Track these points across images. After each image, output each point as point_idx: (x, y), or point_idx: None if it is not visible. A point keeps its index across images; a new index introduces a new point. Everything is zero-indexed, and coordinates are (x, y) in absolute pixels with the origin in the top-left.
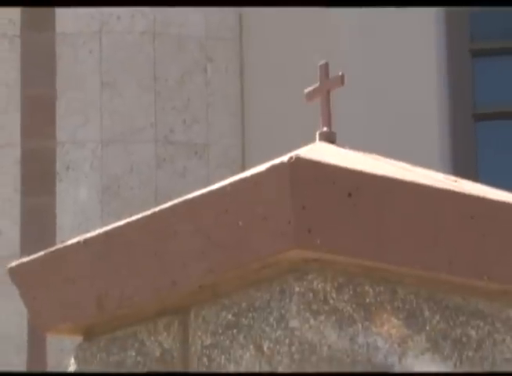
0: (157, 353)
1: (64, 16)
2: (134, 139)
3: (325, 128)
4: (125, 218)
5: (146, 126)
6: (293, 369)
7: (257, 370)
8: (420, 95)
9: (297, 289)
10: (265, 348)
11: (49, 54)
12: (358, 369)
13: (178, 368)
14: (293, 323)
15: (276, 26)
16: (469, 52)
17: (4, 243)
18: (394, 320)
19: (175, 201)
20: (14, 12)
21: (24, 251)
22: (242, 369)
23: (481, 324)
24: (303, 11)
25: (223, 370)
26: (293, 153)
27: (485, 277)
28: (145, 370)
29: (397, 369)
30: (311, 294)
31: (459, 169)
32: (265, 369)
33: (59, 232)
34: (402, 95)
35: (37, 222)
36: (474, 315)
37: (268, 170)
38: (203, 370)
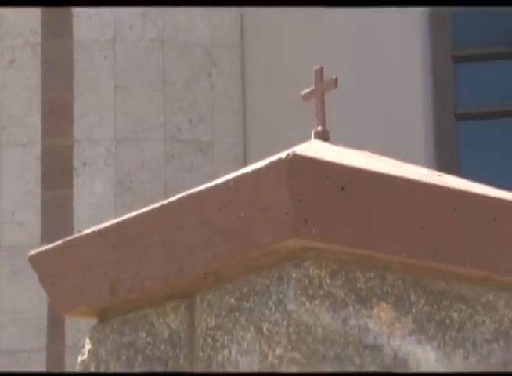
0: (166, 334)
1: (81, 24)
2: (145, 137)
3: (319, 127)
4: (137, 210)
5: (155, 126)
6: (291, 348)
7: (257, 350)
8: (407, 97)
9: (294, 275)
10: (265, 330)
11: (67, 60)
12: (350, 349)
13: (185, 348)
14: (291, 307)
15: (275, 33)
16: (451, 57)
17: (25, 233)
18: (383, 304)
19: (182, 194)
20: (35, 22)
21: (44, 240)
22: (243, 349)
23: (463, 307)
24: (300, 19)
25: (226, 351)
26: (290, 151)
27: (467, 264)
28: (154, 350)
29: (385, 349)
30: (306, 280)
31: (443, 165)
32: (265, 349)
33: (76, 223)
34: (390, 97)
35: (57, 213)
36: (456, 299)
37: (268, 166)
38: (207, 350)
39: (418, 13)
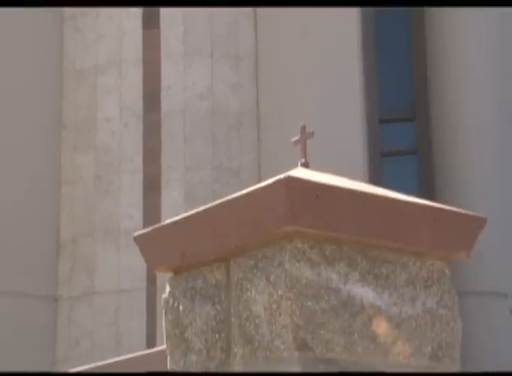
0: (213, 282)
1: (165, 102)
2: (201, 166)
3: (303, 160)
4: (197, 209)
5: (207, 160)
6: (287, 290)
7: (267, 291)
8: (351, 143)
9: (288, 247)
10: (271, 280)
11: (157, 123)
12: (322, 291)
13: (225, 290)
14: (287, 266)
15: (279, 105)
16: (379, 121)
17: (134, 222)
18: (341, 264)
19: (223, 200)
20: (138, 100)
21: (144, 227)
22: (259, 290)
23: (389, 266)
24: (298, 90)
25: (248, 292)
26: (286, 174)
27: (390, 240)
28: (206, 291)
29: (343, 291)
30: (296, 250)
31: (372, 182)
32: (271, 291)
33: (162, 216)
34: (341, 141)
35: (151, 211)
36: (384, 261)
37: (273, 183)
38: (238, 291)
39: (357, 89)
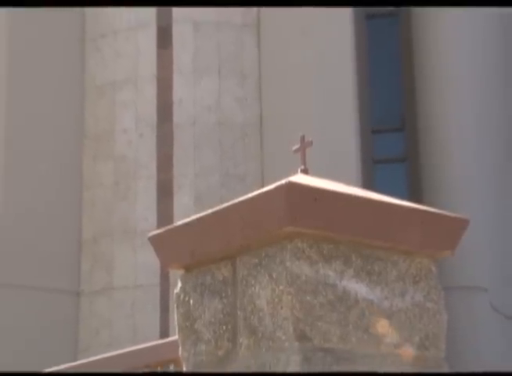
0: (221, 278)
1: (177, 114)
2: (209, 173)
3: (302, 166)
4: (205, 212)
5: (216, 168)
6: (288, 286)
7: (269, 287)
8: (346, 149)
9: (289, 247)
10: (274, 276)
11: (169, 134)
12: (319, 287)
13: (231, 286)
14: (287, 264)
15: (278, 118)
16: (371, 131)
17: (148, 224)
18: (338, 262)
19: (229, 203)
20: (152, 112)
21: (158, 228)
22: (262, 286)
23: (380, 263)
24: (294, 104)
25: (253, 288)
26: (287, 179)
27: (382, 240)
28: (215, 287)
29: (338, 286)
30: (296, 249)
31: (366, 187)
32: (274, 286)
33: (175, 218)
34: (336, 149)
35: (164, 215)
36: (376, 258)
37: (275, 188)
38: (243, 287)
39: (351, 102)
